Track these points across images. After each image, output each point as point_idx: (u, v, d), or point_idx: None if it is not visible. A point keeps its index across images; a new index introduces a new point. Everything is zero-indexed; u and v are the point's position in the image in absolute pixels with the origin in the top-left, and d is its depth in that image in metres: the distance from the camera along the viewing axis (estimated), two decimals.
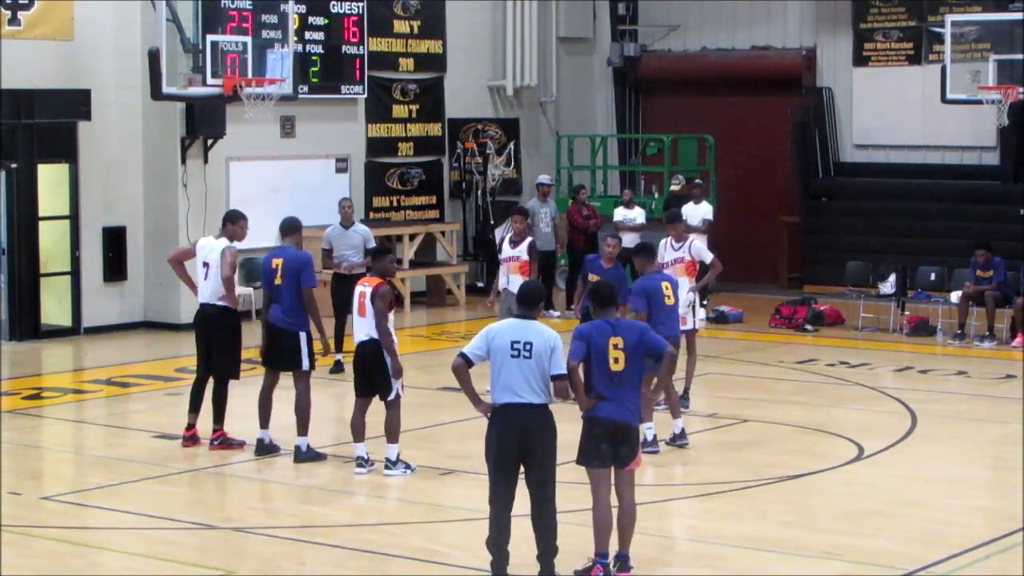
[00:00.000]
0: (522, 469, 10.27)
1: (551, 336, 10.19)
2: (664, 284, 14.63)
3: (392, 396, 13.61)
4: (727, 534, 11.87)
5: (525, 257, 17.48)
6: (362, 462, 13.71)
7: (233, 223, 14.79)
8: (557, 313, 23.67)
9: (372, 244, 18.20)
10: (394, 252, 14.52)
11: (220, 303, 14.57)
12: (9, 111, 21.12)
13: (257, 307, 22.54)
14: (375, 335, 13.50)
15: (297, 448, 14.25)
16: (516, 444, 10.11)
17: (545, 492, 10.22)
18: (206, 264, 14.58)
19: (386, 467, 13.62)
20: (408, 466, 13.68)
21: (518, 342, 10.12)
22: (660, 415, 15.28)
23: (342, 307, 17.71)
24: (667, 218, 17.44)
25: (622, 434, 10.41)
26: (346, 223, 18.90)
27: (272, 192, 24.13)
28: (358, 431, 13.77)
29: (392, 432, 13.63)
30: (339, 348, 18.70)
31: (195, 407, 14.80)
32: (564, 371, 10.16)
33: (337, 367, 18.74)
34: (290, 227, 14.95)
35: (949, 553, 11.33)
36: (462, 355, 10.31)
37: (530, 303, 10.39)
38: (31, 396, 17.93)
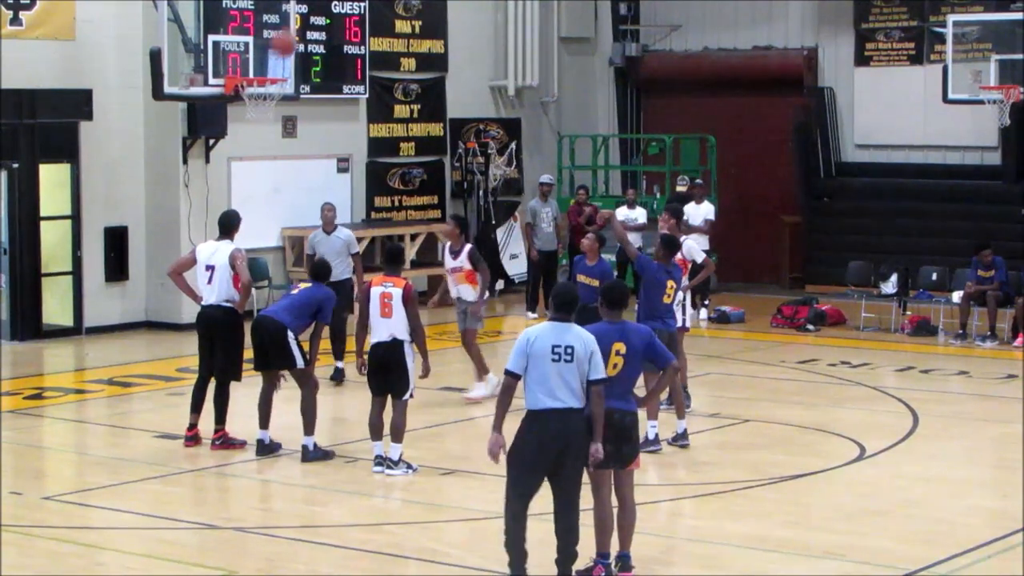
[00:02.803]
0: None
1: (589, 340, 10.10)
2: (669, 283, 14.70)
3: (407, 396, 13.66)
4: (729, 534, 11.87)
5: (468, 266, 17.26)
6: (380, 460, 13.72)
7: (236, 227, 14.83)
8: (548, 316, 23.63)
9: (355, 248, 17.96)
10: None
11: (225, 304, 14.57)
12: (11, 111, 21.13)
13: (260, 306, 22.58)
14: (399, 335, 13.54)
15: (304, 448, 14.26)
16: (555, 451, 9.99)
17: (573, 497, 10.15)
18: (210, 268, 14.57)
19: (388, 467, 13.64)
20: (410, 466, 13.69)
21: (559, 346, 10.01)
22: (664, 415, 15.31)
23: (334, 315, 17.56)
24: (669, 210, 17.18)
25: (626, 430, 10.39)
26: (328, 228, 18.46)
27: (274, 192, 24.13)
28: (376, 430, 13.79)
29: (397, 432, 13.65)
30: (338, 355, 18.37)
31: (197, 407, 14.80)
32: (603, 375, 10.08)
33: (338, 374, 18.33)
34: (321, 272, 15.04)
35: (950, 553, 11.33)
36: (509, 372, 10.09)
37: (567, 307, 10.23)
38: (32, 396, 17.94)
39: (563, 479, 10.10)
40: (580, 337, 10.08)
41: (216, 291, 14.56)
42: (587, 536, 10.51)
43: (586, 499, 10.53)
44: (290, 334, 14.27)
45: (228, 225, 14.85)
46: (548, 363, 9.99)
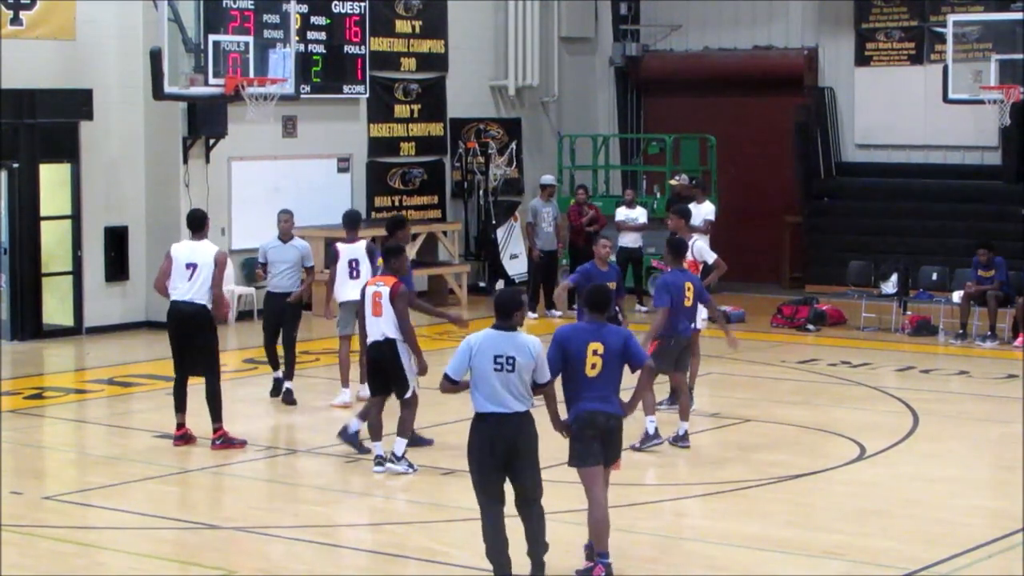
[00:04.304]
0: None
1: (534, 348, 10.08)
2: (687, 284, 14.71)
3: (409, 395, 13.67)
4: (729, 534, 11.86)
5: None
6: (380, 460, 13.72)
7: (207, 224, 14.82)
8: (559, 313, 23.66)
9: (310, 262, 17.10)
10: (406, 251, 14.45)
11: (198, 302, 14.44)
12: (11, 111, 21.13)
13: (259, 307, 22.59)
14: (390, 334, 13.54)
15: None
16: (503, 455, 10.01)
17: (531, 495, 10.13)
18: (191, 266, 14.43)
19: (391, 460, 13.64)
20: (411, 465, 13.67)
21: (500, 356, 10.00)
22: (667, 415, 15.36)
23: (274, 326, 17.03)
24: (676, 211, 17.18)
25: (612, 433, 10.39)
26: (284, 237, 17.10)
27: (274, 192, 24.11)
28: (376, 430, 13.80)
29: (403, 427, 13.66)
30: (276, 366, 17.24)
31: (181, 406, 14.75)
32: (549, 378, 10.14)
33: (277, 389, 17.18)
34: (392, 225, 15.24)
35: (951, 553, 11.32)
36: (447, 376, 10.21)
37: (509, 314, 10.20)
38: (33, 396, 17.93)
39: (518, 480, 10.09)
40: (524, 347, 10.04)
41: (196, 289, 14.42)
42: (583, 535, 10.52)
43: (580, 499, 10.54)
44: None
45: (200, 223, 14.77)
46: (490, 372, 9.99)
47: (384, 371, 13.65)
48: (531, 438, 10.09)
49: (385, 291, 13.57)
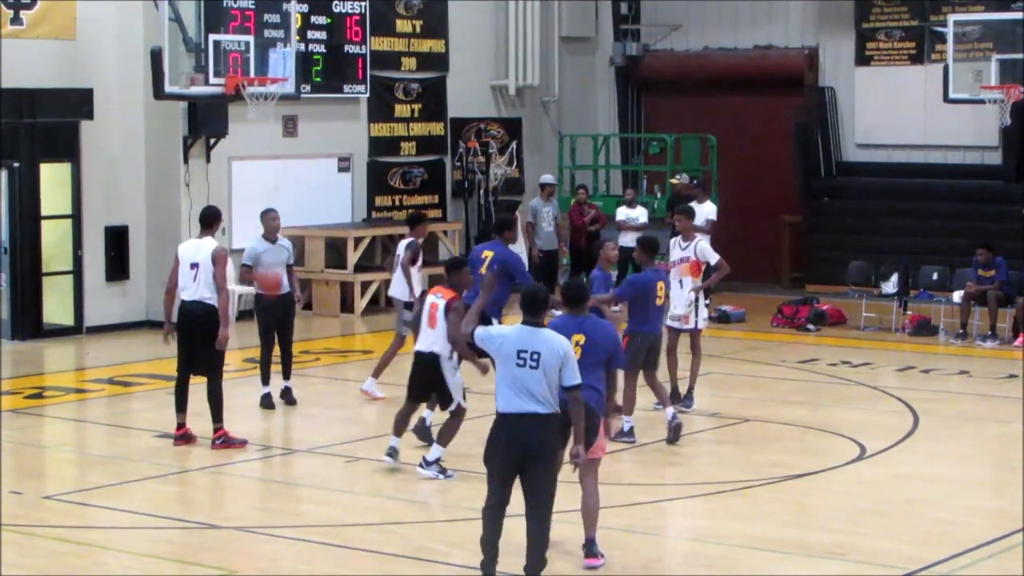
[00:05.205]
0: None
1: (561, 346, 9.93)
2: (659, 284, 14.79)
3: (454, 407, 13.54)
4: (729, 533, 11.86)
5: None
6: (392, 452, 13.67)
7: (218, 222, 14.85)
8: (558, 313, 23.61)
9: (292, 259, 16.67)
10: (468, 264, 14.20)
11: (206, 300, 14.45)
12: (11, 110, 21.11)
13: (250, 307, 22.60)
14: (436, 349, 13.40)
15: None
16: (519, 456, 9.89)
17: (543, 504, 9.97)
18: (195, 265, 14.44)
19: (421, 465, 13.50)
20: (443, 471, 13.48)
21: (525, 351, 9.87)
22: (660, 414, 15.38)
23: (270, 333, 16.52)
24: (681, 211, 17.25)
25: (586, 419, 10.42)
26: (271, 236, 16.55)
27: (274, 191, 24.09)
28: (399, 426, 13.75)
29: (444, 436, 13.52)
30: (266, 380, 16.59)
31: (181, 406, 14.73)
32: (578, 381, 9.94)
33: (266, 402, 16.59)
34: (501, 225, 15.45)
35: (951, 553, 11.33)
36: (473, 334, 10.28)
37: (536, 310, 10.11)
38: (33, 395, 17.92)
39: (528, 485, 9.95)
40: (549, 343, 9.91)
41: (199, 288, 14.43)
42: (578, 534, 10.51)
43: (575, 498, 10.53)
44: (495, 322, 14.37)
45: (209, 220, 14.80)
46: (513, 367, 9.88)
47: (424, 382, 13.58)
48: (546, 444, 9.92)
49: (441, 304, 13.41)
